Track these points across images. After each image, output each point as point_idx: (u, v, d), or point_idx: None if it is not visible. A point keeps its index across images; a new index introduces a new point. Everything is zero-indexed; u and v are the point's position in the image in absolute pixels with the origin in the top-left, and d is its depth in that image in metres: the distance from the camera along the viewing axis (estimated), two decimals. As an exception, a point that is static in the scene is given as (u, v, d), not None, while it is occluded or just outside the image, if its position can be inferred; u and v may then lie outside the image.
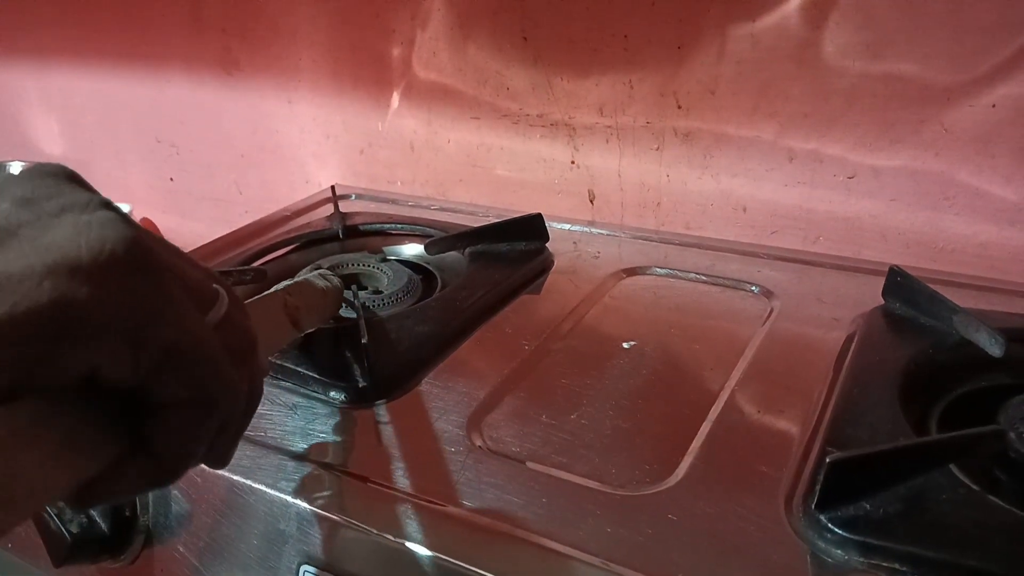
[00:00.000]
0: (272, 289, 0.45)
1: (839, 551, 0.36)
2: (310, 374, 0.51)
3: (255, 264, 0.70)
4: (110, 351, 0.22)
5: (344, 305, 0.55)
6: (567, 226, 0.78)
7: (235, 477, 0.43)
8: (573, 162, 0.80)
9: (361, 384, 0.50)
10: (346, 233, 0.76)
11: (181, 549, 0.46)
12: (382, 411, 0.49)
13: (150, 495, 0.47)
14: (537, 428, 0.46)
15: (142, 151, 1.18)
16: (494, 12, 0.77)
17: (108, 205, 0.25)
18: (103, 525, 0.46)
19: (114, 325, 0.22)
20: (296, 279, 0.49)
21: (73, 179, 0.26)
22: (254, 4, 0.93)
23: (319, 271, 0.53)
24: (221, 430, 0.27)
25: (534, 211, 0.71)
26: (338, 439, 0.47)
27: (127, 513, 0.47)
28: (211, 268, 0.31)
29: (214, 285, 0.28)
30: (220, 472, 0.43)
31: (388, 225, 0.78)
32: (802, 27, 0.63)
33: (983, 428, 0.40)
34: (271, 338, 0.43)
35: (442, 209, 0.85)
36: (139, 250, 0.23)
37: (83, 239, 0.22)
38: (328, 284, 0.52)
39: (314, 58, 0.92)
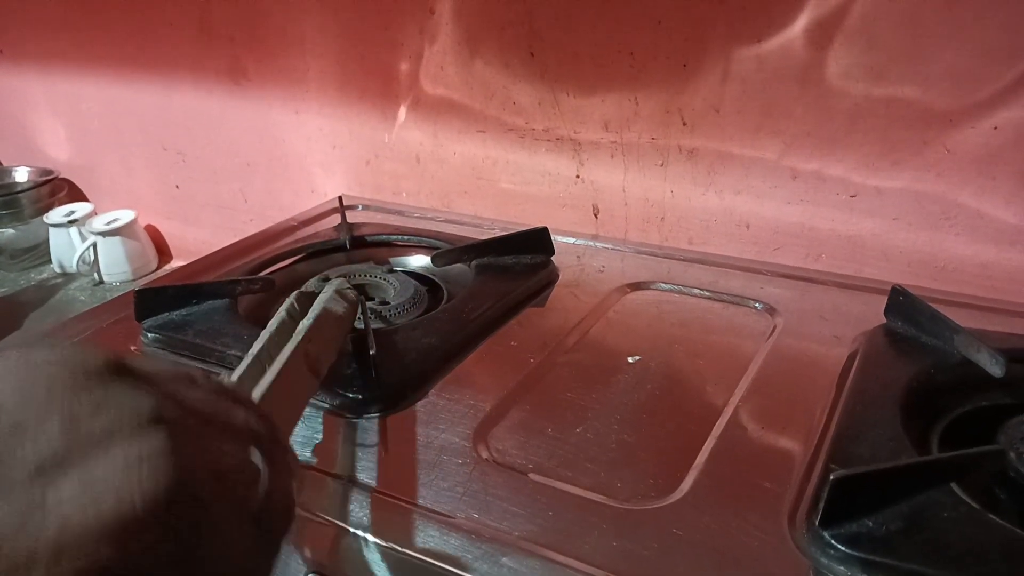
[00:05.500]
0: (292, 334, 0.45)
1: (842, 567, 0.36)
2: (318, 384, 0.51)
3: (263, 273, 0.70)
4: None
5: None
6: (571, 240, 0.79)
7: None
8: (578, 176, 0.81)
9: (368, 395, 0.50)
10: (353, 244, 0.77)
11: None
12: (389, 422, 0.49)
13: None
14: (543, 441, 0.47)
15: (148, 157, 1.18)
16: (501, 28, 0.78)
17: (156, 418, 0.24)
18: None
19: (164, 574, 0.23)
20: (316, 314, 0.48)
21: (117, 371, 0.25)
22: (263, 14, 0.94)
23: (335, 288, 0.53)
24: None
25: (538, 224, 0.71)
26: (345, 449, 0.47)
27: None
28: (251, 423, 0.30)
29: (254, 461, 0.29)
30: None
31: (395, 236, 0.78)
32: (806, 48, 0.64)
33: (984, 448, 0.41)
34: (299, 402, 0.43)
35: (447, 221, 0.85)
36: (188, 489, 0.24)
37: (135, 483, 0.22)
38: (346, 306, 0.52)
39: (322, 69, 0.93)
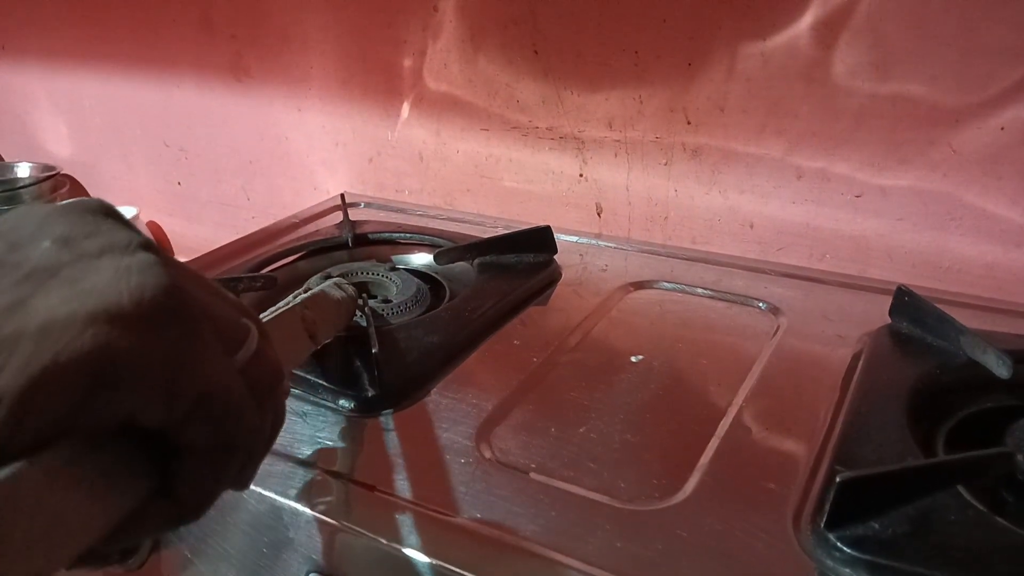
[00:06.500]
0: (288, 301, 0.45)
1: (847, 570, 0.36)
2: (320, 382, 0.51)
3: (264, 271, 0.70)
4: (146, 398, 0.23)
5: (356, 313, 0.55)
6: (574, 238, 0.79)
7: (245, 484, 0.43)
8: (581, 175, 0.80)
9: (370, 393, 0.50)
10: (355, 241, 0.77)
11: (188, 555, 0.46)
12: (391, 420, 0.49)
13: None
14: (546, 441, 0.47)
15: (150, 155, 1.18)
16: (505, 25, 0.78)
17: (147, 246, 0.25)
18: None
19: (152, 373, 0.22)
20: (312, 291, 0.49)
21: (112, 215, 0.26)
22: (265, 11, 0.94)
23: (333, 280, 0.53)
24: (242, 466, 0.28)
25: (541, 223, 0.71)
26: (347, 448, 0.47)
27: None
28: (242, 301, 0.31)
29: (244, 320, 0.29)
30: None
31: (397, 234, 0.78)
32: (812, 46, 0.64)
33: (991, 450, 0.40)
34: (291, 355, 0.43)
35: (450, 219, 0.85)
36: (176, 297, 0.24)
37: (123, 285, 0.22)
38: (343, 295, 0.52)
39: (324, 66, 0.92)
